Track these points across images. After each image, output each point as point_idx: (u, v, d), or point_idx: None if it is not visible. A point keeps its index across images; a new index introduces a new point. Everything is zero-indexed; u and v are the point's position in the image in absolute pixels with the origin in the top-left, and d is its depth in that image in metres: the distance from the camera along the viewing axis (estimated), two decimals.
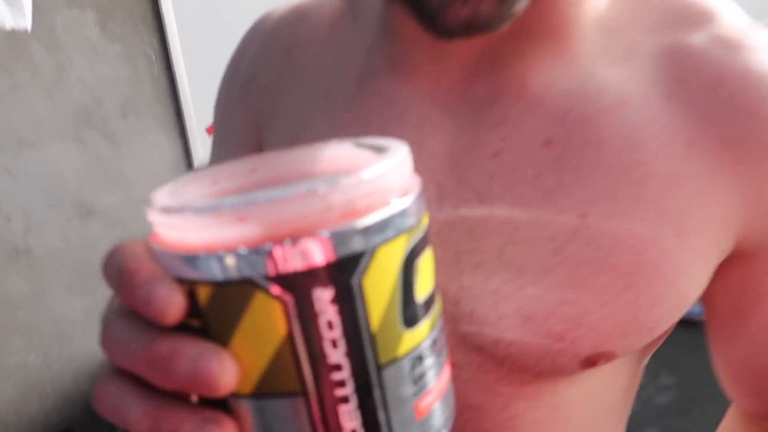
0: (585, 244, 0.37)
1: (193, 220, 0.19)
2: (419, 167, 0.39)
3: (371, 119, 0.40)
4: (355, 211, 0.19)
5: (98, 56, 1.15)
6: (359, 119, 0.40)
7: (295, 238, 0.18)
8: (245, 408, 0.20)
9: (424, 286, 0.21)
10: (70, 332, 1.26)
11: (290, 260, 0.18)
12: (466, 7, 0.31)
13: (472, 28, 0.32)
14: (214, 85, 1.25)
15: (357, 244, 0.18)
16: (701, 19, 0.38)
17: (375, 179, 0.19)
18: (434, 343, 0.22)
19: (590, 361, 0.38)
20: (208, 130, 1.27)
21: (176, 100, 1.24)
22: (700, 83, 0.36)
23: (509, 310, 0.38)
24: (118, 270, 0.20)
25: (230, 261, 0.18)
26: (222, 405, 0.20)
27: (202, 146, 1.27)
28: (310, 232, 0.18)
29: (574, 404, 0.44)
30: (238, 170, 0.23)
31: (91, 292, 1.26)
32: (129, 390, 0.21)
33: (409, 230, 0.20)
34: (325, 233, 0.18)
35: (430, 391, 0.21)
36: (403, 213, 0.20)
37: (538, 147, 0.37)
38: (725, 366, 0.44)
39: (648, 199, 0.36)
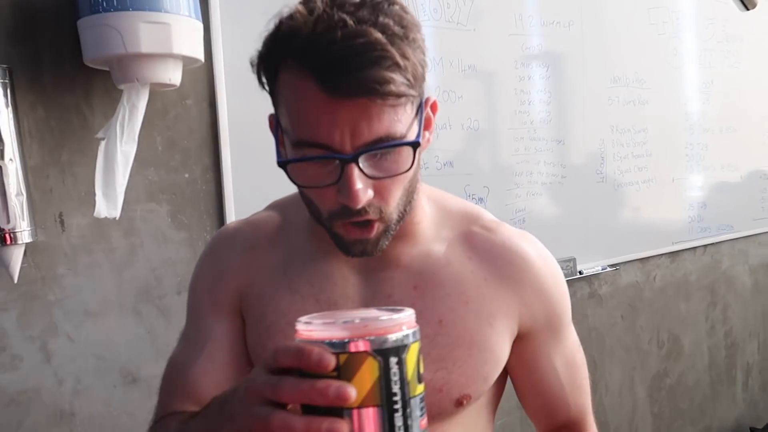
0: (444, 336, 0.69)
1: (339, 326, 0.44)
2: (346, 307, 0.70)
3: (314, 283, 0.71)
4: (402, 327, 0.44)
5: (165, 241, 1.32)
6: (308, 283, 0.71)
7: (392, 333, 0.44)
8: (353, 413, 0.43)
9: (423, 366, 0.46)
10: None
11: (383, 344, 0.43)
12: (360, 247, 0.64)
13: (364, 254, 0.65)
14: None
15: (406, 340, 0.44)
16: (474, 218, 0.75)
17: (411, 314, 0.45)
18: (425, 397, 0.46)
19: (459, 402, 0.70)
20: None
21: None
22: (481, 249, 0.72)
23: None
24: (297, 351, 0.44)
25: (357, 343, 0.43)
26: (340, 414, 0.43)
27: None
28: (393, 331, 0.44)
29: None
30: (326, 316, 0.47)
31: None
32: (294, 415, 0.44)
33: (420, 339, 0.46)
34: (398, 335, 0.44)
35: (424, 417, 0.46)
36: (414, 332, 0.45)
37: (411, 290, 0.70)
38: (525, 403, 0.79)
39: (470, 309, 0.70)
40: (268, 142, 1.47)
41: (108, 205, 1.13)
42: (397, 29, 0.55)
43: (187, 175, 1.34)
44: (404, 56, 0.55)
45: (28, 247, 1.16)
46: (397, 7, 0.57)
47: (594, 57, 1.98)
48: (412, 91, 0.57)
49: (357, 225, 0.61)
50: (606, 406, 2.16)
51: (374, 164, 0.58)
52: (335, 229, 0.63)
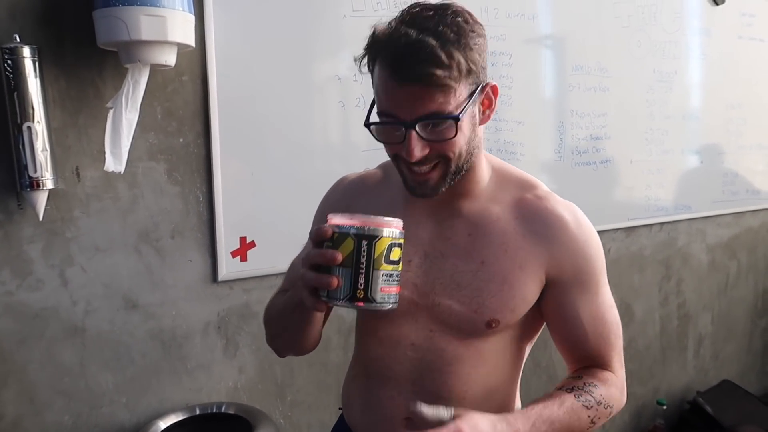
0: (484, 273, 0.89)
1: (341, 218, 0.76)
2: (418, 243, 0.91)
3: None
4: (380, 225, 0.74)
5: (162, 194, 1.59)
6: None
7: (369, 226, 0.74)
8: (338, 270, 0.74)
9: (394, 256, 0.75)
10: (100, 402, 1.58)
11: (357, 232, 0.73)
12: (421, 189, 0.85)
13: (424, 196, 0.86)
14: (240, 222, 1.67)
15: (377, 233, 0.74)
16: (530, 187, 0.94)
17: (392, 222, 0.76)
18: (392, 275, 0.75)
19: (489, 324, 0.89)
20: (232, 253, 1.67)
21: (212, 229, 1.66)
22: (527, 211, 0.91)
23: (454, 301, 0.90)
24: (316, 230, 0.76)
25: (345, 228, 0.74)
26: (329, 271, 0.75)
27: (225, 265, 1.67)
28: (370, 225, 0.74)
29: (486, 351, 0.93)
30: (345, 215, 0.76)
31: (122, 370, 1.60)
32: (313, 272, 0.76)
33: (391, 237, 0.74)
34: (372, 228, 0.73)
35: (390, 287, 0.75)
36: (391, 232, 0.75)
37: (465, 236, 0.91)
38: (555, 343, 0.96)
39: (508, 256, 0.89)
40: (250, 113, 1.73)
41: (114, 161, 1.40)
42: (451, 36, 0.75)
43: (181, 140, 1.60)
44: (450, 57, 0.75)
45: (51, 193, 1.43)
46: (459, 19, 0.78)
47: (555, 47, 2.19)
48: (452, 83, 0.75)
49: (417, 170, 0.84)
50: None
51: (429, 131, 0.78)
52: (402, 170, 0.86)
